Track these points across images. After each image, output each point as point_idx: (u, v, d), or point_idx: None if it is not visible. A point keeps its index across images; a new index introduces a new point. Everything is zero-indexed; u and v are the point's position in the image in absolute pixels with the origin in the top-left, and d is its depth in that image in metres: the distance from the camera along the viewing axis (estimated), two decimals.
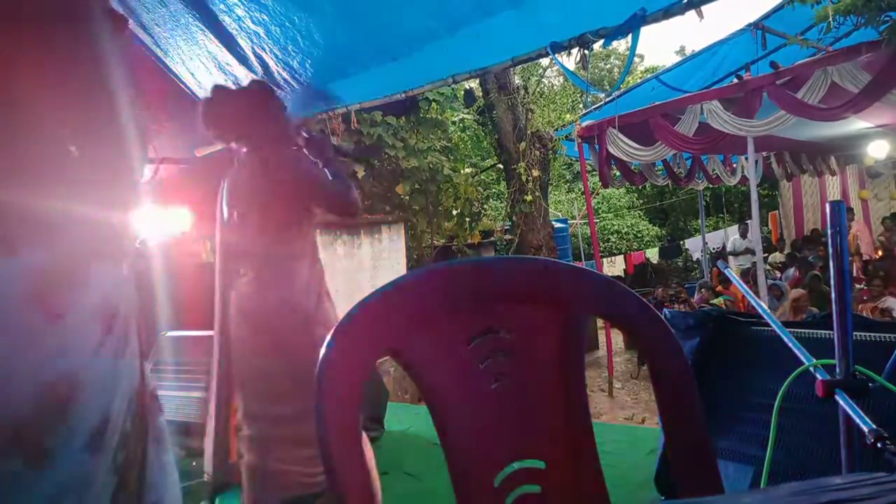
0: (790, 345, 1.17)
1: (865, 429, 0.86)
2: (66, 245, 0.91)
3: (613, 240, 16.81)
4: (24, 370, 0.83)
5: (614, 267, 14.10)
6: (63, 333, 0.87)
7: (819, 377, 1.03)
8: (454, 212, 8.92)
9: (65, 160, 0.96)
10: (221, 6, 2.82)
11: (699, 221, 11.38)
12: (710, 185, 9.17)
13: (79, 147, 0.99)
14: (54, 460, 0.84)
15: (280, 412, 2.01)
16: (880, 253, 8.92)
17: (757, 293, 5.55)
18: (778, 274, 8.70)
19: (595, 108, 7.52)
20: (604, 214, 17.36)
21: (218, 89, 2.24)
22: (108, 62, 1.02)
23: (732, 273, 1.47)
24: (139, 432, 1.00)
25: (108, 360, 0.93)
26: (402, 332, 0.86)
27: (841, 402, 0.96)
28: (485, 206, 11.91)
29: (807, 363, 1.12)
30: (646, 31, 2.65)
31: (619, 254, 15.28)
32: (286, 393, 1.99)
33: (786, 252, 10.10)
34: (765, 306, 1.30)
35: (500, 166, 9.21)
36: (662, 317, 0.99)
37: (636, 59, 20.63)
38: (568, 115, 10.33)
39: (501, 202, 12.20)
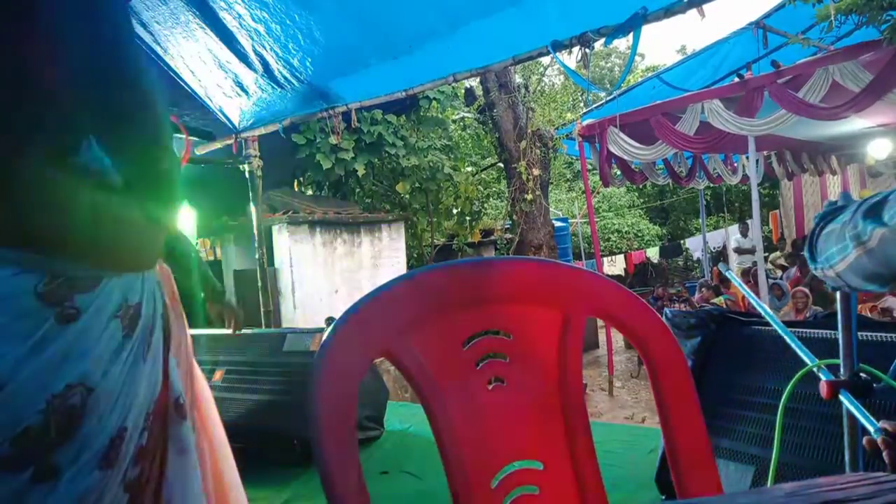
0: (793, 345, 1.16)
1: (871, 428, 0.85)
2: (84, 242, 0.82)
3: (614, 239, 16.79)
4: (31, 379, 0.75)
5: (615, 266, 14.08)
6: (76, 336, 0.79)
7: (823, 378, 1.02)
8: (454, 210, 8.91)
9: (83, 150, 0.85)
10: (221, 3, 2.81)
11: (700, 220, 11.37)
12: (711, 185, 9.15)
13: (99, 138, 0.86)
14: (63, 476, 0.78)
15: None
16: None
17: (758, 293, 5.54)
18: (779, 273, 8.69)
19: (596, 107, 7.52)
20: (604, 213, 17.34)
21: None
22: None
23: (733, 274, 1.46)
24: (157, 445, 0.93)
25: (127, 366, 0.85)
26: (399, 332, 0.85)
27: (846, 403, 0.95)
28: (485, 205, 11.90)
29: (811, 363, 1.11)
30: (647, 30, 2.65)
31: (620, 253, 15.26)
32: None
33: (786, 251, 10.09)
34: (766, 306, 1.29)
35: (501, 165, 9.20)
36: (661, 316, 0.98)
37: (637, 58, 20.62)
38: (569, 114, 10.29)
39: (502, 201, 12.18)
